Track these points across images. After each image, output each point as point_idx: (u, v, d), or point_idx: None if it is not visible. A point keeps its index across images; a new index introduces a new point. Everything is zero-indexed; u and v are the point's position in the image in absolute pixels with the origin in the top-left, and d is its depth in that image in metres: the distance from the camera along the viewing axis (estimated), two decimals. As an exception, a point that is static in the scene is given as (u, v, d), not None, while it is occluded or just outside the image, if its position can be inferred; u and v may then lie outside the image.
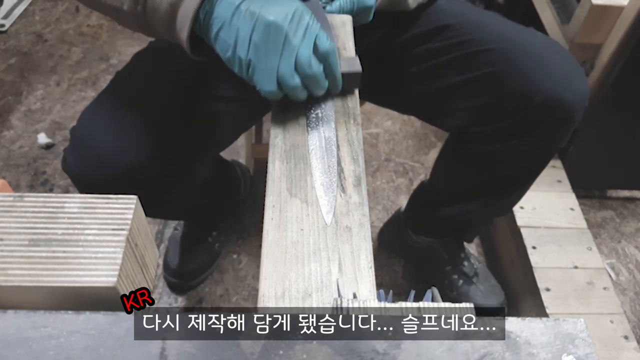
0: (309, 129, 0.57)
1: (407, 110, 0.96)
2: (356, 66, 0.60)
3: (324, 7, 0.68)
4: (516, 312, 1.18)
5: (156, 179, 0.74)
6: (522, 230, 1.19)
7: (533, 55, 0.75)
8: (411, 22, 0.84)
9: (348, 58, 0.62)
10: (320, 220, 0.49)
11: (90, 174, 0.71)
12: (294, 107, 0.59)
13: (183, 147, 0.75)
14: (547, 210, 1.24)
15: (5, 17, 1.89)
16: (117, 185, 0.67)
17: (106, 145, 0.71)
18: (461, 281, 1.18)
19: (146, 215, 0.44)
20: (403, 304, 0.38)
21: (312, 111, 0.58)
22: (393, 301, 0.38)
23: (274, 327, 0.33)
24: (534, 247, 1.16)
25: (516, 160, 0.84)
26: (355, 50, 0.67)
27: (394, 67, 0.86)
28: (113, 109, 0.73)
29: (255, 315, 0.33)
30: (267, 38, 0.52)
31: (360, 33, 0.69)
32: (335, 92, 0.59)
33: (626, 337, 1.04)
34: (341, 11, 0.70)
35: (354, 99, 0.62)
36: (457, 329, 0.33)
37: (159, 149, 0.72)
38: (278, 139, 0.56)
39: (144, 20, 0.57)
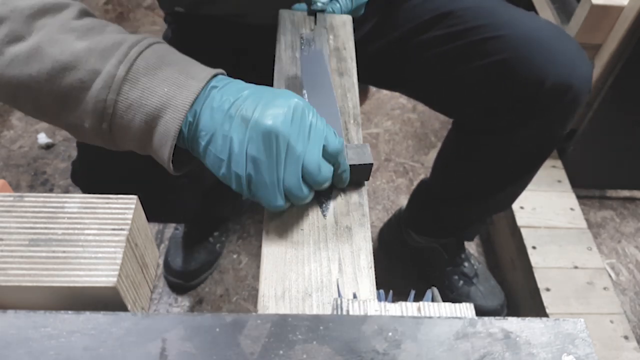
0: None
1: (414, 96, 0.96)
2: (367, 157, 0.51)
3: (323, 10, 0.68)
4: (516, 312, 1.18)
5: (167, 184, 0.74)
6: (522, 230, 1.19)
7: (541, 41, 0.75)
8: (409, 9, 0.84)
9: (356, 146, 0.52)
10: (320, 220, 0.49)
11: (102, 188, 0.71)
12: None
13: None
14: (547, 210, 1.24)
15: (5, 17, 1.89)
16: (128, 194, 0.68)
17: (117, 159, 0.70)
18: (461, 282, 1.18)
19: (149, 220, 0.44)
20: (403, 304, 0.38)
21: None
22: (393, 301, 0.38)
23: (274, 327, 0.33)
24: (534, 247, 1.16)
25: (521, 148, 0.85)
26: (355, 47, 0.68)
27: (397, 57, 0.86)
28: None
29: (256, 315, 0.33)
30: (267, 149, 0.44)
31: (355, 21, 0.71)
32: (342, 186, 0.51)
33: (626, 337, 1.04)
34: (342, 12, 0.70)
35: (354, 99, 0.62)
36: (457, 329, 0.33)
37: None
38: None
39: (110, 137, 0.48)
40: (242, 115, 0.45)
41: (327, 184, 0.48)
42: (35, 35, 0.46)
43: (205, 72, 0.48)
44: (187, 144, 0.47)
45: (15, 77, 0.46)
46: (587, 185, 1.42)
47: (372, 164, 0.51)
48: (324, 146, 0.46)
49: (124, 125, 0.46)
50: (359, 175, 0.51)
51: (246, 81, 0.50)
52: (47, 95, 0.46)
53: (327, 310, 0.42)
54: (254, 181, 0.45)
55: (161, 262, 1.23)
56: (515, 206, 1.23)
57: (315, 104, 0.51)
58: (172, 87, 0.45)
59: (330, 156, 0.47)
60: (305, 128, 0.45)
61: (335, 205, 0.50)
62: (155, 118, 0.45)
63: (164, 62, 0.47)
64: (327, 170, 0.47)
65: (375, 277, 0.45)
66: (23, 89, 0.47)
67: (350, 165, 0.50)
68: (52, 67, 0.45)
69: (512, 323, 0.34)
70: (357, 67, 0.66)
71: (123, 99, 0.45)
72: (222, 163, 0.45)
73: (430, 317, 0.34)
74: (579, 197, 1.29)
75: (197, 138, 0.46)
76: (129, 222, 0.39)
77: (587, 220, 1.24)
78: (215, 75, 0.48)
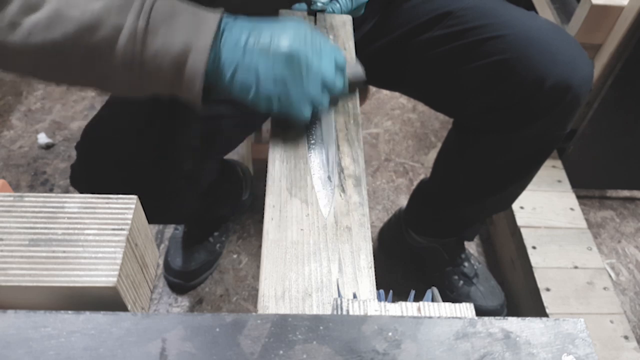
0: (311, 145, 0.57)
1: (414, 96, 0.96)
2: (359, 74, 0.63)
3: (323, 10, 0.69)
4: (516, 312, 1.18)
5: (166, 187, 0.74)
6: (522, 230, 1.19)
7: (541, 41, 0.75)
8: (409, 9, 0.84)
9: (350, 64, 0.62)
10: (320, 220, 0.49)
11: (102, 191, 0.71)
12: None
13: (190, 154, 0.75)
14: (547, 210, 1.24)
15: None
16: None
17: (114, 162, 0.71)
18: (461, 282, 1.18)
19: (149, 222, 0.44)
20: (403, 304, 0.38)
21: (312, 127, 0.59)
22: (393, 301, 0.38)
23: (274, 327, 0.33)
24: (534, 247, 1.16)
25: (522, 148, 0.85)
26: (355, 47, 0.68)
27: (397, 57, 0.86)
28: (116, 124, 0.73)
29: (256, 315, 0.33)
30: (291, 69, 0.52)
31: (355, 21, 0.72)
32: (343, 95, 0.61)
33: (626, 337, 1.04)
34: (342, 12, 0.70)
35: (354, 99, 0.62)
36: (457, 329, 0.33)
37: (167, 158, 0.72)
38: (278, 139, 0.57)
39: (139, 84, 0.52)
40: (261, 44, 0.52)
41: (341, 90, 0.58)
42: (50, 2, 0.48)
43: (212, 14, 0.52)
44: (210, 78, 0.52)
45: (39, 44, 0.48)
46: (587, 185, 1.42)
47: (364, 79, 0.63)
48: (334, 60, 0.56)
49: (153, 71, 0.51)
50: (353, 88, 0.63)
51: None
52: (75, 56, 0.50)
53: (327, 310, 0.42)
54: (283, 98, 0.53)
55: (161, 262, 1.22)
56: (515, 206, 1.23)
57: None
58: (190, 32, 0.50)
59: (340, 68, 0.57)
60: (317, 47, 0.54)
61: (335, 205, 0.50)
62: (181, 61, 0.50)
63: (176, 11, 0.51)
64: (340, 80, 0.57)
65: (375, 277, 0.45)
66: (48, 55, 0.49)
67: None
68: (77, 29, 0.48)
69: (512, 323, 0.34)
70: None
71: (149, 49, 0.50)
72: (250, 89, 0.52)
73: (430, 317, 0.34)
74: (579, 197, 1.29)
75: (221, 72, 0.52)
76: (129, 222, 0.39)
77: (587, 220, 1.24)
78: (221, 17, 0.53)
